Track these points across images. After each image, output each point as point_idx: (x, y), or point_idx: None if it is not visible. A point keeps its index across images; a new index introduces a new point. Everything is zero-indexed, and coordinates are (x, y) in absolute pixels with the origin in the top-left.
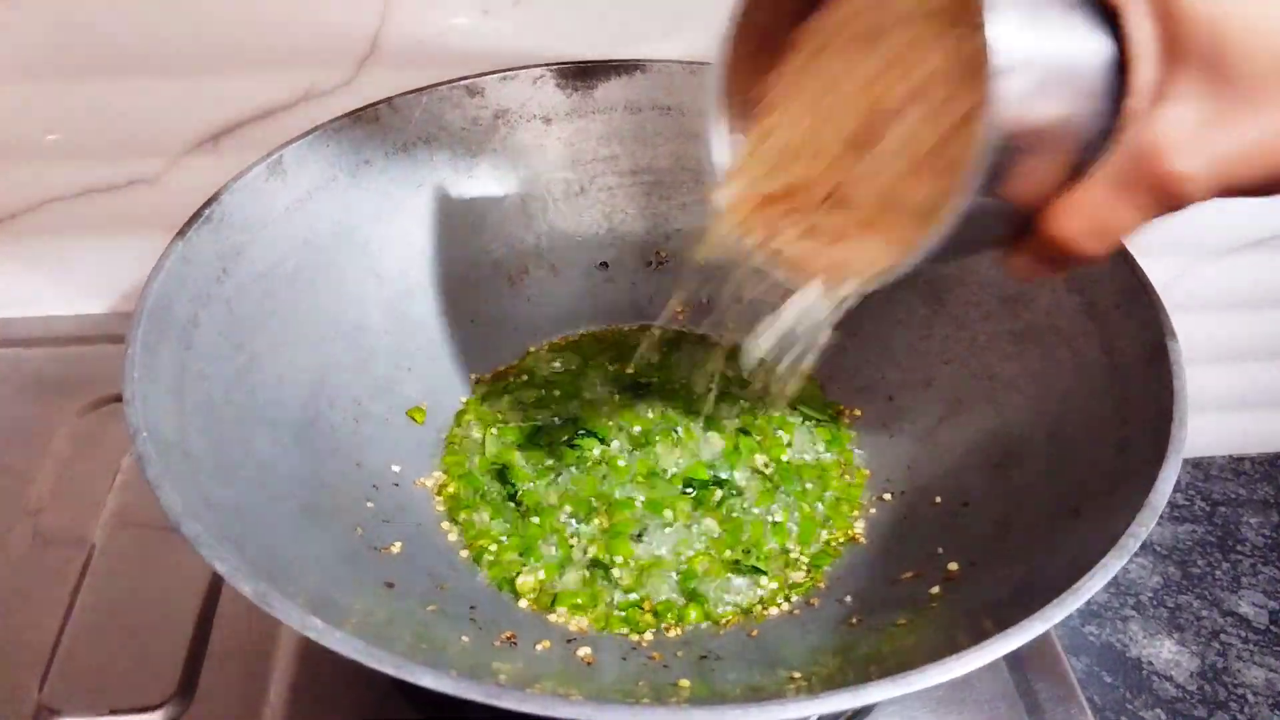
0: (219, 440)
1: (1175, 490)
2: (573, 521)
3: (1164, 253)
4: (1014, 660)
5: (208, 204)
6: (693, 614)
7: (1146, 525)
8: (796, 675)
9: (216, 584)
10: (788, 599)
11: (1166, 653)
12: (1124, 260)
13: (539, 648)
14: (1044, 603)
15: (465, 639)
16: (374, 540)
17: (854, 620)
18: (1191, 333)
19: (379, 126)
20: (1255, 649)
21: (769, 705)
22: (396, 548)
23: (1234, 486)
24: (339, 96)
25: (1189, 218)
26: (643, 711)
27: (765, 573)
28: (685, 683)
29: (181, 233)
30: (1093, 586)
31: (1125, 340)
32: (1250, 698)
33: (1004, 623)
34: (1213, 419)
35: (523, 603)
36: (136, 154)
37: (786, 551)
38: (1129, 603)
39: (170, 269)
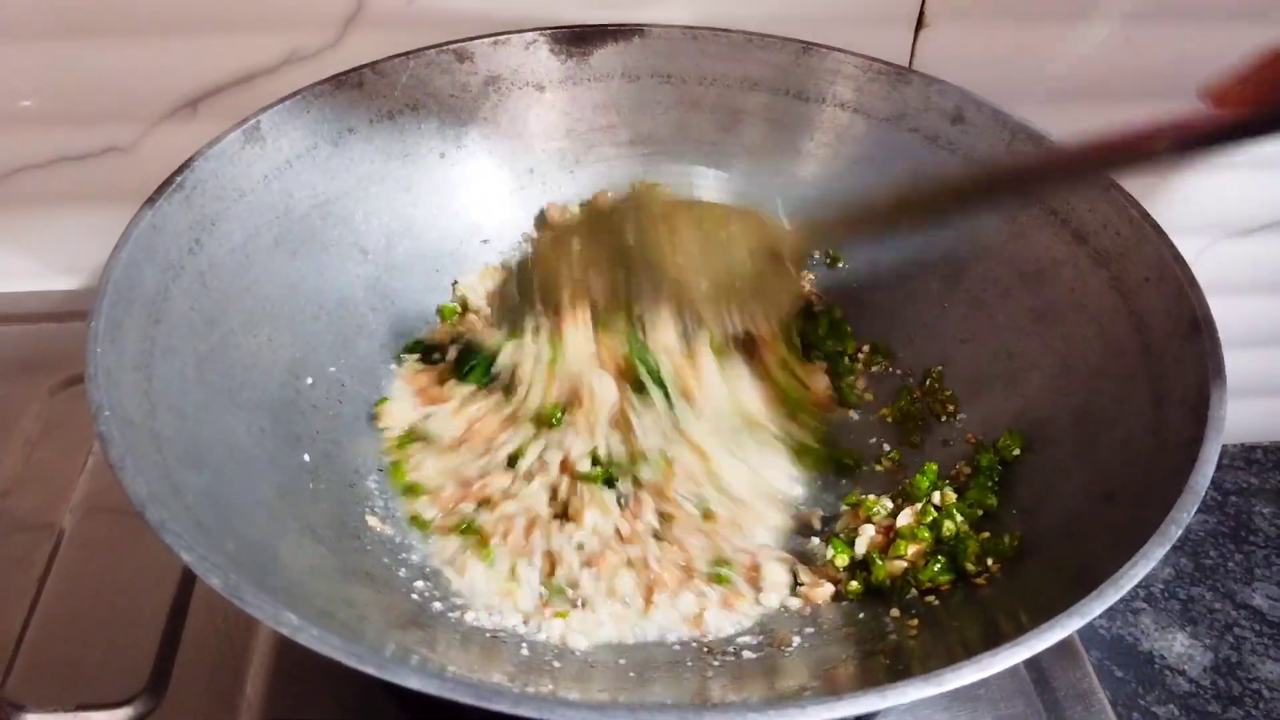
0: (189, 421)
1: None
2: None
3: (1180, 233)
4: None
5: (179, 171)
6: None
7: (1189, 510)
8: (814, 683)
9: (191, 572)
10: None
11: (1179, 646)
12: (1153, 232)
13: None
14: (1082, 595)
15: (456, 634)
16: (356, 528)
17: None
18: None
19: (363, 92)
20: (1270, 642)
21: (789, 708)
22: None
23: (1246, 476)
24: (323, 60)
25: (1205, 197)
26: (647, 714)
27: None
28: (689, 676)
29: (151, 200)
30: (1135, 575)
31: (1157, 316)
32: (1265, 692)
33: (1036, 616)
34: None
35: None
36: (111, 120)
37: None
38: (1139, 595)
39: (138, 238)
